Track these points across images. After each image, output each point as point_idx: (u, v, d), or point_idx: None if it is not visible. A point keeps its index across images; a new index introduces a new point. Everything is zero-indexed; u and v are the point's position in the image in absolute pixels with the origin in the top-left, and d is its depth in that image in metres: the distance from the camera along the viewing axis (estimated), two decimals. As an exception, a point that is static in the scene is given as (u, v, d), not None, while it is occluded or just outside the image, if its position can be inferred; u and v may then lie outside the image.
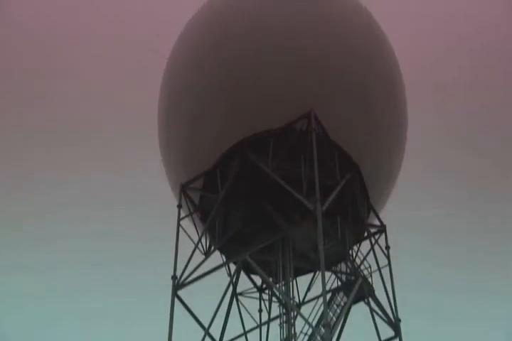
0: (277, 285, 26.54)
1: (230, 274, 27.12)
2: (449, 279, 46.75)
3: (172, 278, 25.49)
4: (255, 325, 27.23)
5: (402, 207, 29.53)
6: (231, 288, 26.45)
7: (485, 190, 49.79)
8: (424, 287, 45.48)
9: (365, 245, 27.16)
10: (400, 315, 25.05)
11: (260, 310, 28.25)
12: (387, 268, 26.28)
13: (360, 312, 25.14)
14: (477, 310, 45.43)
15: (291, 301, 25.77)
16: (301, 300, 27.87)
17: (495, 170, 48.93)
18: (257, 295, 28.61)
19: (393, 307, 25.16)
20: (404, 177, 29.52)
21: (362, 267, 25.77)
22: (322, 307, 22.66)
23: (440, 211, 49.25)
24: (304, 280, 28.48)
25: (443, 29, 51.99)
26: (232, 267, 27.08)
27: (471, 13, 50.33)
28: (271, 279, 26.92)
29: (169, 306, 24.89)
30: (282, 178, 25.22)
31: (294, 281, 27.61)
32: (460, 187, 50.10)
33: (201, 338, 25.14)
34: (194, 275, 25.41)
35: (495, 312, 44.41)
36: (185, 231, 27.02)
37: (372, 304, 24.96)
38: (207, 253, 26.82)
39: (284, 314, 25.38)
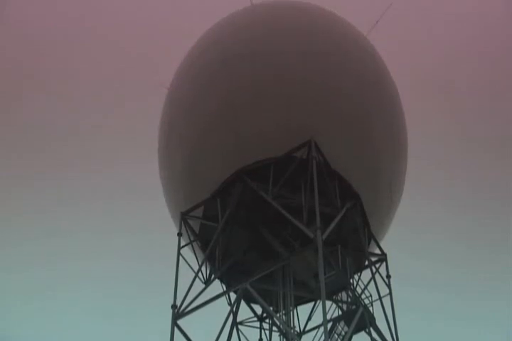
0: (278, 315, 26.39)
1: (230, 303, 26.96)
2: (448, 279, 46.62)
3: (172, 307, 25.30)
4: (256, 354, 27.11)
5: (401, 206, 29.34)
6: (231, 317, 26.28)
7: (487, 189, 49.78)
8: (424, 287, 45.39)
9: (366, 274, 27.09)
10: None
11: (261, 340, 28.06)
12: (388, 296, 26.17)
13: (361, 341, 24.97)
14: (477, 310, 45.23)
15: (292, 330, 25.60)
16: (301, 329, 27.67)
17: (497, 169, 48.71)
18: (258, 324, 28.43)
19: (394, 337, 24.98)
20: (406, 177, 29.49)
21: (363, 296, 25.66)
22: (323, 337, 22.50)
23: (440, 210, 49.20)
24: (304, 310, 28.32)
25: (454, 29, 51.91)
26: (233, 296, 26.96)
27: (478, 14, 50.32)
28: (271, 308, 26.77)
29: (169, 335, 24.73)
30: (283, 206, 25.19)
31: (295, 310, 27.43)
32: (460, 187, 50.10)
33: (201, 368, 25.00)
34: (194, 305, 25.29)
35: (495, 313, 44.25)
36: (185, 260, 26.90)
37: (374, 333, 24.78)
38: (207, 282, 26.70)
39: (284, 343, 25.23)
